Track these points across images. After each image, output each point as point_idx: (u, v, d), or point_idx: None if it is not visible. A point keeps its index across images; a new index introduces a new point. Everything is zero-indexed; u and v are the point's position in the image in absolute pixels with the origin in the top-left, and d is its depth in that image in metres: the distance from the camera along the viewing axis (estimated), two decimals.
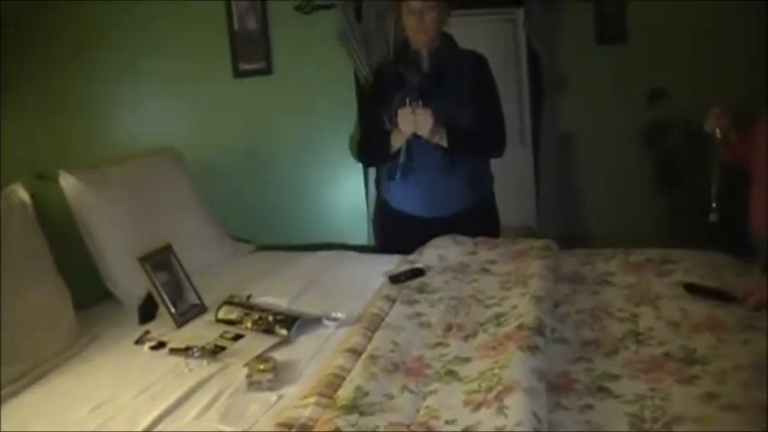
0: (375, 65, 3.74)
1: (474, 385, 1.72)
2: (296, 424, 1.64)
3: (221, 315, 2.36)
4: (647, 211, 4.09)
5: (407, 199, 2.96)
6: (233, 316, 2.34)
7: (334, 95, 4.24)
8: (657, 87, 3.92)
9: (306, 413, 1.67)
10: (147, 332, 2.35)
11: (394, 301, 2.34)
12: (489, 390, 1.66)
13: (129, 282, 2.57)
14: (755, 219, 2.33)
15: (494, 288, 2.36)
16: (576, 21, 4.03)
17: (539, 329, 1.93)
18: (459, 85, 2.84)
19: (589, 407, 1.66)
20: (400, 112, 2.71)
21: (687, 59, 3.88)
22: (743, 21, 3.76)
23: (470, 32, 3.36)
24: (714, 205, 2.35)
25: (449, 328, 2.12)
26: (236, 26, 4.22)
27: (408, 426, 1.60)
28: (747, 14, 3.73)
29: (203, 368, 2.05)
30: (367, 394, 1.71)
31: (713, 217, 2.35)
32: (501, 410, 1.54)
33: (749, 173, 2.34)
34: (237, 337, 2.23)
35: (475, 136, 2.83)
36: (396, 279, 2.52)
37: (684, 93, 3.81)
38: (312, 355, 2.09)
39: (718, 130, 2.30)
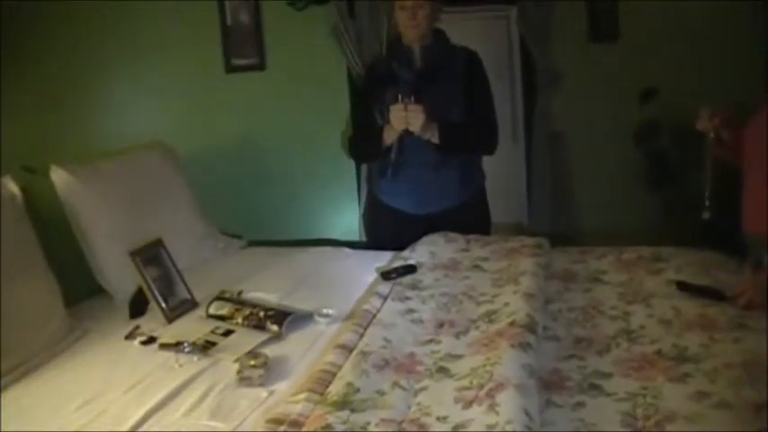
0: (368, 61, 3.73)
1: (465, 382, 1.71)
2: (287, 420, 1.63)
3: (212, 310, 2.35)
4: (639, 209, 4.10)
5: (399, 195, 2.96)
6: (224, 311, 2.32)
7: (326, 91, 4.24)
8: (649, 87, 3.92)
9: (297, 409, 1.67)
10: (137, 327, 2.33)
11: (386, 298, 2.33)
12: (481, 387, 1.65)
13: (120, 277, 2.56)
14: (747, 217, 2.34)
15: (486, 285, 2.36)
16: (569, 18, 4.03)
17: (530, 327, 1.93)
18: (451, 81, 2.84)
19: (581, 404, 1.66)
20: (392, 108, 2.70)
21: (679, 58, 3.89)
22: (735, 19, 3.78)
23: (463, 29, 3.37)
24: (707, 203, 2.35)
25: (440, 324, 2.11)
26: (228, 21, 4.21)
27: (400, 422, 1.60)
28: (739, 12, 3.74)
29: (194, 364, 2.04)
30: (358, 390, 1.70)
31: (706, 215, 2.35)
32: (492, 407, 1.54)
33: (741, 171, 2.35)
34: (228, 333, 2.21)
35: (467, 133, 2.82)
36: (387, 275, 2.51)
37: (676, 91, 3.82)
38: (303, 352, 2.08)
39: (711, 130, 2.31)
